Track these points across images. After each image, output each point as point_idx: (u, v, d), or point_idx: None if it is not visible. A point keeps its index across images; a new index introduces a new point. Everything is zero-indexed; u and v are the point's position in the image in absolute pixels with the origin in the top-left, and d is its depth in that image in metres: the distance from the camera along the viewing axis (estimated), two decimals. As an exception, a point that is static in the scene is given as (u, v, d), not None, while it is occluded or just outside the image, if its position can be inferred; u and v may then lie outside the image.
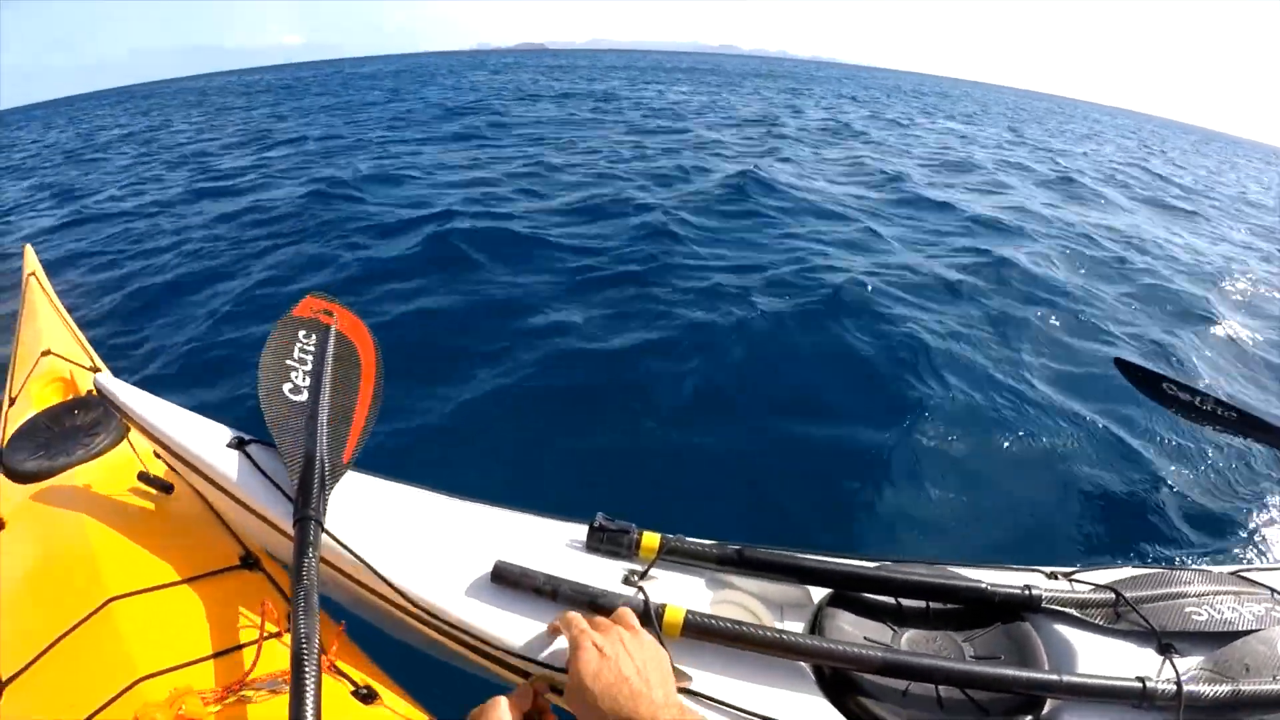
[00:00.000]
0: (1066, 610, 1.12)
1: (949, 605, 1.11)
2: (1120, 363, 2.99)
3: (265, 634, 0.81)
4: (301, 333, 1.08)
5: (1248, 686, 1.02)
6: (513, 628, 0.88)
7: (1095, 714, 0.98)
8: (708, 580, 1.08)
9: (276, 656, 0.80)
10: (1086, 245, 6.04)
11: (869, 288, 4.21)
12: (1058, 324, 4.17)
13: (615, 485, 2.47)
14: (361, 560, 0.88)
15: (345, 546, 0.89)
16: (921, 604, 1.11)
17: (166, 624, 0.82)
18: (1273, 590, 1.26)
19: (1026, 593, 1.09)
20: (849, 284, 4.21)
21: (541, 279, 4.22)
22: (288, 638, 0.83)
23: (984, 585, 1.10)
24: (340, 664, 0.83)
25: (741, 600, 1.06)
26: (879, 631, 1.06)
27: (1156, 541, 2.49)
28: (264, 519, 0.94)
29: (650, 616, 0.88)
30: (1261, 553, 2.51)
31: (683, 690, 0.83)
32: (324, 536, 0.87)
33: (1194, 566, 1.41)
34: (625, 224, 5.36)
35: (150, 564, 0.90)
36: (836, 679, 0.96)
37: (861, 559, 1.17)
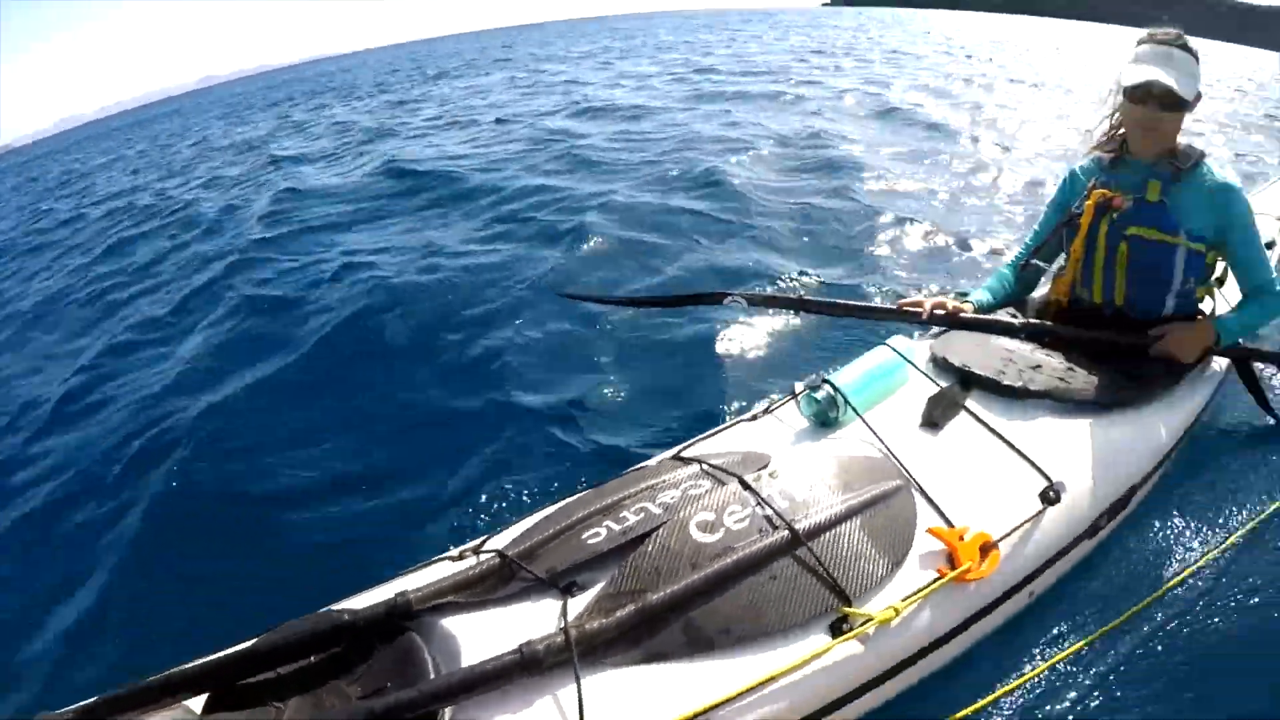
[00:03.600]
0: (446, 600, 0.93)
1: (330, 651, 0.91)
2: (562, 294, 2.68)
3: None
4: None
5: (657, 595, 0.88)
6: None
7: (501, 701, 0.81)
8: None
9: None
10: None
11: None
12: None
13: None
14: None
15: None
16: (304, 662, 0.90)
17: None
18: (701, 462, 1.12)
19: (394, 602, 0.91)
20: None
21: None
22: None
23: (341, 614, 0.91)
24: None
25: None
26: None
27: (599, 462, 1.97)
28: None
29: None
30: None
31: None
32: None
33: (621, 474, 1.21)
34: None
35: None
36: None
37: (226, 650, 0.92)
